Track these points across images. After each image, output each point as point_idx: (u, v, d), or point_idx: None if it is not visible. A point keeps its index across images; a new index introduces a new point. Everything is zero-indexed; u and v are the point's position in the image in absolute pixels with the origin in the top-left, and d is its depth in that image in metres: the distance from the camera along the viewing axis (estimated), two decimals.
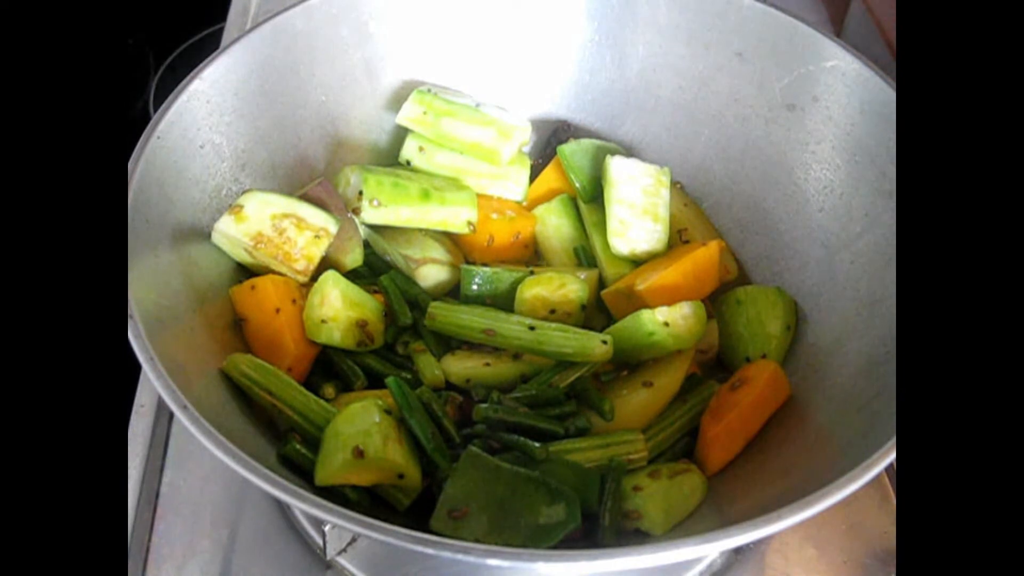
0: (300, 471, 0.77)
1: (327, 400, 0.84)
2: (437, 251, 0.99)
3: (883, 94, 0.89)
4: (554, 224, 1.05)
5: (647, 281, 0.92)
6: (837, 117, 0.95)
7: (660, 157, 1.09)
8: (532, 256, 1.07)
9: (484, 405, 0.83)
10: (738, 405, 0.84)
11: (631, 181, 1.01)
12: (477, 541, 0.69)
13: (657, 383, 0.88)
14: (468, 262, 1.03)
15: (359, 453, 0.74)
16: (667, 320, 0.87)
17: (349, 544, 0.86)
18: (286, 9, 0.98)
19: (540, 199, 1.08)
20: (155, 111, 0.86)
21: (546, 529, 0.71)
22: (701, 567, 0.88)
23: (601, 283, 1.00)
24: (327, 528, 0.81)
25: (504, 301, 0.95)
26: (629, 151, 1.11)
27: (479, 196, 1.03)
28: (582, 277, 0.96)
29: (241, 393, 0.81)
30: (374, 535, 0.59)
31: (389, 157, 1.09)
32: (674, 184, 1.07)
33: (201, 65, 0.91)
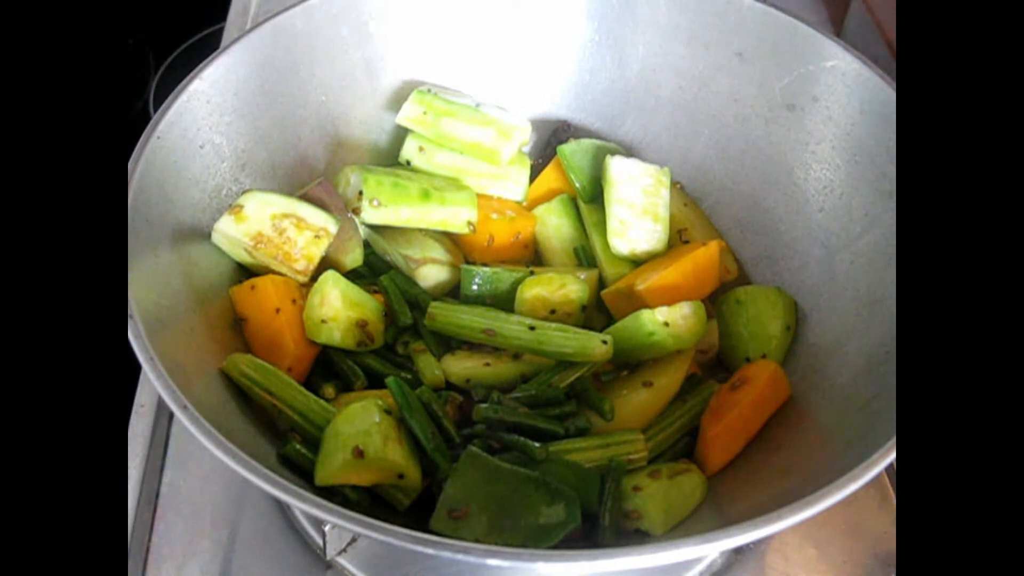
0: (300, 471, 0.77)
1: (327, 400, 0.84)
2: (437, 251, 0.99)
3: (883, 94, 0.89)
4: (554, 224, 1.05)
5: (647, 281, 0.93)
6: (837, 117, 0.95)
7: (660, 157, 1.09)
8: (532, 256, 1.07)
9: (484, 405, 0.83)
10: (738, 405, 0.84)
11: (631, 181, 1.01)
12: (477, 541, 0.69)
13: (657, 383, 0.88)
14: (468, 262, 1.03)
15: (359, 453, 0.74)
16: (667, 320, 0.87)
17: (349, 544, 0.86)
18: (286, 9, 0.98)
19: (540, 199, 1.08)
20: (155, 111, 0.86)
21: (546, 529, 0.71)
22: (701, 567, 0.88)
23: (601, 283, 1.00)
24: (327, 528, 0.81)
25: (504, 301, 0.95)
26: (629, 151, 1.11)
27: (479, 196, 1.03)
28: (582, 277, 0.96)
29: (241, 393, 0.81)
30: (374, 535, 0.59)
31: (389, 157, 1.09)
32: (674, 184, 1.07)
33: (201, 65, 0.91)
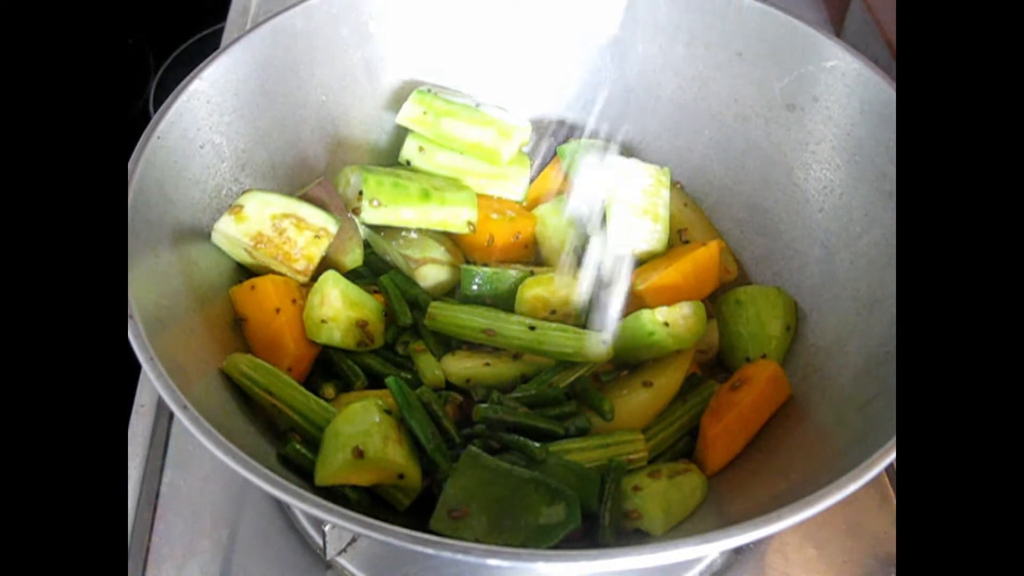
0: (300, 471, 0.77)
1: (327, 400, 0.84)
2: (437, 251, 0.99)
3: (883, 94, 0.89)
4: (554, 224, 1.05)
5: (647, 281, 0.93)
6: (837, 117, 0.95)
7: (660, 157, 1.09)
8: (532, 256, 1.07)
9: (484, 405, 0.83)
10: (738, 405, 0.84)
11: (631, 181, 1.01)
12: (477, 541, 0.69)
13: (657, 383, 0.88)
14: (468, 262, 1.03)
15: (359, 453, 0.74)
16: (667, 320, 0.87)
17: (349, 544, 0.86)
18: (286, 9, 0.98)
19: (540, 199, 1.08)
20: (155, 111, 0.86)
21: (546, 529, 0.71)
22: (701, 567, 0.88)
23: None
24: (327, 528, 0.81)
25: (504, 301, 0.95)
26: (629, 151, 1.11)
27: (479, 196, 1.03)
28: None
29: (241, 393, 0.81)
30: (374, 535, 0.59)
31: (389, 157, 1.09)
32: (674, 184, 1.07)
33: (201, 65, 0.90)
